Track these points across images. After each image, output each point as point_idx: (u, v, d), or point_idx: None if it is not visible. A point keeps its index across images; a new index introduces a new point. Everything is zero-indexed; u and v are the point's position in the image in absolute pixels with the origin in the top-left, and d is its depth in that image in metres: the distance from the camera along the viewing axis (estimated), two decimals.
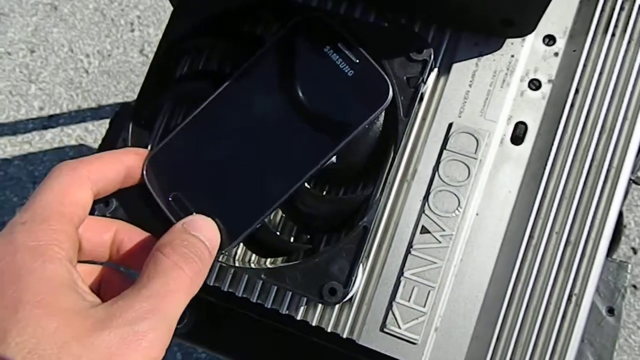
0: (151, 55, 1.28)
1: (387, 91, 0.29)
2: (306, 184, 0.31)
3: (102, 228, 0.27)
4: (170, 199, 0.30)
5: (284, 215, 0.33)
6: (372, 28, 0.32)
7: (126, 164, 0.29)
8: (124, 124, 0.33)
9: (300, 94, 0.30)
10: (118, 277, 0.27)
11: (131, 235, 0.28)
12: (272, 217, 0.33)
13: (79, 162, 0.26)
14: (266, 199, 0.29)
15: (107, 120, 1.23)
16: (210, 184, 0.30)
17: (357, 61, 0.30)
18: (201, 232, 0.26)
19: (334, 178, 0.32)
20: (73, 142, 1.21)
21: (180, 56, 0.36)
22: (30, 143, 1.21)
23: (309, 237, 0.32)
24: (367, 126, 0.30)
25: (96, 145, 1.19)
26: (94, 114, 1.24)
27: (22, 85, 1.26)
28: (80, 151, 1.20)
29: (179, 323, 0.43)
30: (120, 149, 0.31)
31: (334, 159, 0.30)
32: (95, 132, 1.22)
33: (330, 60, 0.30)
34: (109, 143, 0.40)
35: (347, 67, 0.30)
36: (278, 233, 0.32)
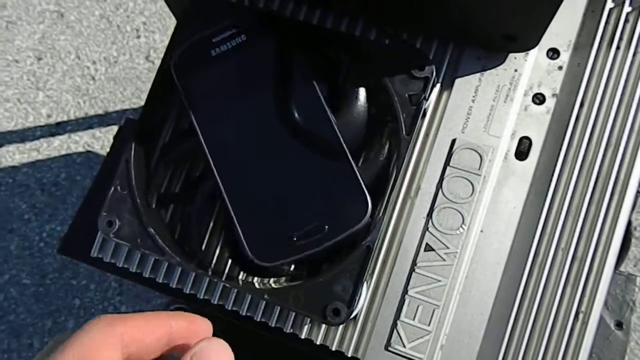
0: (157, 62, 1.28)
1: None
2: None
3: None
4: None
5: None
6: (374, 45, 0.31)
7: (173, 329, 0.25)
8: (127, 143, 0.33)
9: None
10: None
11: None
12: None
13: (117, 319, 0.23)
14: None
15: (114, 127, 1.24)
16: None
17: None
18: None
19: None
20: (80, 149, 1.22)
21: None
22: (38, 150, 1.22)
23: (308, 265, 0.32)
24: None
25: (103, 152, 1.20)
26: (101, 120, 1.25)
27: (29, 93, 1.27)
28: (88, 157, 1.21)
29: None
30: (170, 311, 0.27)
31: None
32: (102, 138, 1.22)
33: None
34: (113, 160, 0.40)
35: None
36: None
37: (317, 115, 0.30)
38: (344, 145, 0.30)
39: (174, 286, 0.33)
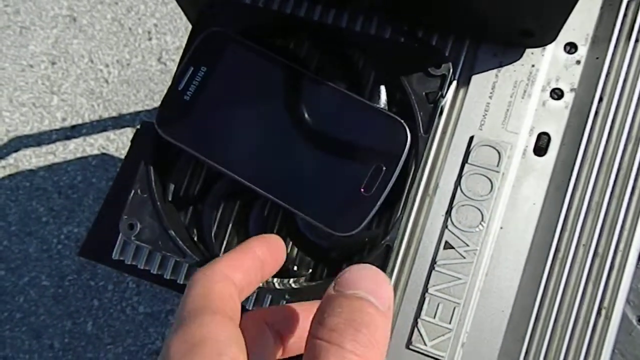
0: (169, 63, 1.29)
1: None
2: None
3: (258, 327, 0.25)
4: None
5: (299, 250, 0.33)
6: (389, 44, 0.31)
7: (260, 256, 0.26)
8: (146, 147, 0.33)
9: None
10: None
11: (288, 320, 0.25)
12: (288, 251, 0.33)
13: (223, 269, 0.24)
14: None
15: (128, 129, 1.25)
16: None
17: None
18: (366, 290, 0.20)
19: None
20: (96, 152, 1.23)
21: None
22: (54, 154, 1.24)
23: (312, 264, 0.33)
24: None
25: (118, 154, 1.21)
26: (115, 123, 1.26)
27: (44, 97, 1.29)
28: (103, 160, 1.22)
29: None
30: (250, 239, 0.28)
31: None
32: (117, 140, 1.24)
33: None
34: (131, 163, 0.41)
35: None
36: (295, 268, 0.32)
37: (321, 89, 0.31)
38: (352, 94, 0.31)
39: None
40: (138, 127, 1.26)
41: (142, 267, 0.34)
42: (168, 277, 0.33)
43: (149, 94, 1.28)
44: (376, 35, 0.32)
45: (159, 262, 0.34)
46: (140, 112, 1.28)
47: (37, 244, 1.13)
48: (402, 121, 0.30)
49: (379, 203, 0.29)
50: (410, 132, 0.30)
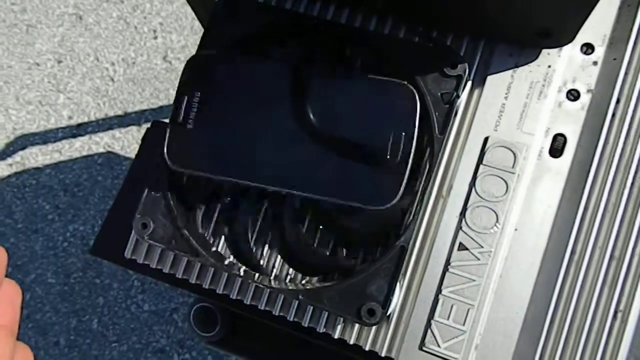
0: (174, 62, 1.29)
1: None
2: None
3: None
4: None
5: (322, 228, 0.33)
6: (404, 44, 0.31)
7: None
8: (158, 146, 0.33)
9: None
10: None
11: None
12: (311, 230, 0.33)
13: None
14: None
15: (134, 128, 1.25)
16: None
17: None
18: None
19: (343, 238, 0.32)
20: (101, 150, 1.23)
21: None
22: (60, 152, 1.24)
23: (345, 253, 0.32)
24: None
25: (124, 153, 1.21)
26: (121, 121, 1.26)
27: (51, 95, 1.29)
28: (109, 158, 1.22)
29: (210, 331, 0.44)
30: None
31: None
32: (122, 139, 1.24)
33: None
34: (143, 161, 0.41)
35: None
36: (315, 246, 0.32)
37: (320, 76, 0.31)
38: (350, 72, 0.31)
39: (206, 287, 0.33)
40: (147, 125, 1.27)
41: (154, 266, 0.34)
42: (180, 277, 0.33)
43: (155, 93, 1.28)
44: (390, 35, 0.32)
45: (171, 261, 0.34)
46: (145, 110, 1.28)
47: (43, 242, 1.13)
48: (406, 83, 0.30)
49: (409, 166, 0.29)
50: (418, 97, 0.30)
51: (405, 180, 0.29)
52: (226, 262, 0.33)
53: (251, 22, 0.33)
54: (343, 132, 0.30)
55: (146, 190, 0.32)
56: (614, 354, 0.29)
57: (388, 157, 0.29)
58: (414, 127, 0.29)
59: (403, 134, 0.29)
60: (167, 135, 0.31)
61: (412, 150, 0.29)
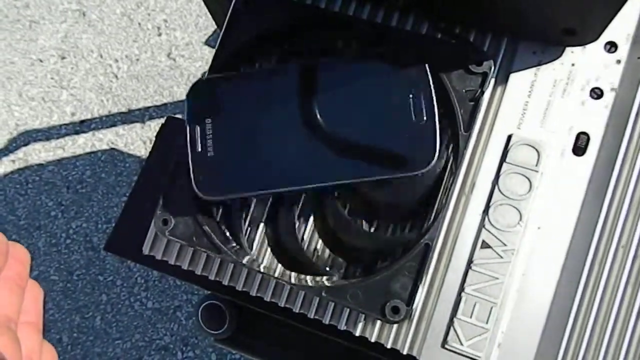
0: (178, 59, 1.29)
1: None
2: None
3: None
4: None
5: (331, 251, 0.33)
6: (430, 41, 0.31)
7: None
8: (177, 143, 0.33)
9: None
10: None
11: None
12: (320, 253, 0.33)
13: None
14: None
15: (137, 125, 1.25)
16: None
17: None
18: None
19: (383, 214, 0.32)
20: (105, 147, 1.23)
21: None
22: (63, 148, 1.23)
23: (344, 265, 0.32)
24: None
25: (127, 150, 1.21)
26: (124, 118, 1.26)
27: (54, 92, 1.29)
28: (112, 155, 1.22)
29: (218, 329, 0.44)
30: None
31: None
32: (125, 136, 1.23)
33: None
34: (158, 158, 0.41)
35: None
36: (327, 268, 0.32)
37: (324, 66, 0.32)
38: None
39: (226, 283, 0.33)
40: (151, 123, 1.26)
41: (172, 263, 0.33)
42: (199, 273, 0.33)
43: (158, 90, 1.28)
44: (414, 31, 0.32)
45: (189, 258, 0.33)
46: (149, 107, 1.27)
47: (46, 239, 1.13)
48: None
49: (437, 124, 0.29)
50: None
51: (438, 136, 0.29)
52: (246, 259, 0.32)
53: (272, 17, 0.33)
54: (362, 112, 0.30)
55: (167, 187, 0.32)
56: (637, 354, 0.29)
57: (414, 119, 0.29)
58: (430, 85, 0.29)
59: (421, 94, 0.29)
60: (191, 167, 0.31)
61: (435, 106, 0.29)
